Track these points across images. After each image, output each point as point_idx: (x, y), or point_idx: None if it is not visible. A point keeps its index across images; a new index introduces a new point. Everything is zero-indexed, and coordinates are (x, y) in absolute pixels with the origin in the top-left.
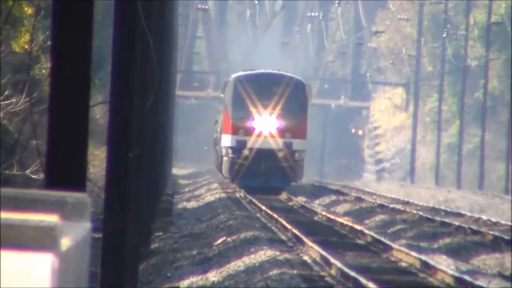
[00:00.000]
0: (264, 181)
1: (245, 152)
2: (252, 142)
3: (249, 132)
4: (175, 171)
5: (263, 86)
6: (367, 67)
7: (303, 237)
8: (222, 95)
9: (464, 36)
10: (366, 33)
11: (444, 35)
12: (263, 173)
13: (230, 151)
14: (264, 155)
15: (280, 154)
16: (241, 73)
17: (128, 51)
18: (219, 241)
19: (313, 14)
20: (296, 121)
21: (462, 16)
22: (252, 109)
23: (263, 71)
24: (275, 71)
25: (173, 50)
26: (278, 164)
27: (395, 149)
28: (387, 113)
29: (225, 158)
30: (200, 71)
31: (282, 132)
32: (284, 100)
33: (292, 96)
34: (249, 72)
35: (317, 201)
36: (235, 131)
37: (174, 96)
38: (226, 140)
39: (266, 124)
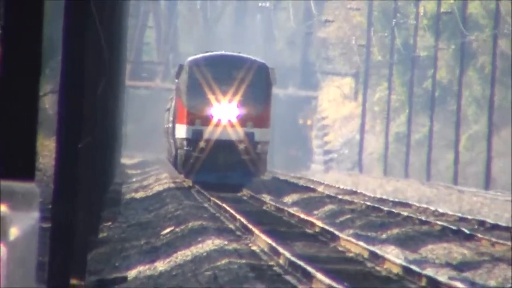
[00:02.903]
0: (222, 177)
1: (202, 144)
2: (210, 133)
3: (206, 121)
4: (124, 160)
5: (222, 70)
6: (316, 57)
7: (251, 226)
8: (176, 81)
9: (414, 26)
10: (316, 23)
11: (393, 25)
12: (221, 167)
13: (185, 143)
14: (223, 147)
15: (241, 146)
16: (197, 55)
17: (78, 40)
18: (167, 230)
19: (263, 4)
20: (258, 109)
21: (412, 6)
22: (210, 96)
23: (222, 53)
24: (235, 54)
25: (123, 40)
26: (239, 157)
27: (343, 139)
28: (335, 103)
29: (179, 151)
30: (149, 61)
31: (243, 121)
32: (246, 85)
33: (254, 81)
34: (206, 54)
35: (265, 191)
36: (190, 120)
37: (124, 86)
38: (181, 131)
39: (225, 113)
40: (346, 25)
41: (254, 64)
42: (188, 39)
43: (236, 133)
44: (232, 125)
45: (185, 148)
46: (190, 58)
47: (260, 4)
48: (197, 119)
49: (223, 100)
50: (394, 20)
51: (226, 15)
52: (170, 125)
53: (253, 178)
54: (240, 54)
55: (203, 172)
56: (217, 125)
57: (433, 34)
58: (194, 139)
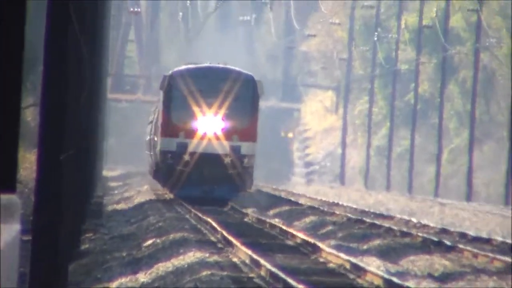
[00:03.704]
0: (207, 191)
1: (186, 157)
2: (195, 146)
3: (191, 134)
4: (106, 173)
5: (208, 82)
6: (298, 70)
7: (232, 238)
8: (160, 92)
9: (395, 40)
10: (298, 37)
11: (375, 39)
12: (207, 181)
13: (168, 156)
14: (208, 160)
15: (227, 160)
16: (182, 67)
17: (59, 53)
18: (149, 242)
19: (245, 18)
20: (245, 122)
21: (394, 20)
22: (195, 108)
23: (207, 64)
24: (221, 65)
25: (105, 53)
26: (224, 171)
27: (325, 151)
28: (317, 116)
29: (163, 164)
30: (131, 75)
31: (229, 134)
32: (232, 97)
33: (241, 93)
34: (191, 66)
35: (246, 203)
36: (174, 133)
37: (106, 98)
38: (164, 144)
39: (210, 125)
40: (328, 39)
41: (241, 76)
42: (170, 52)
43: (222, 146)
44: (218, 138)
45: (168, 161)
46: (174, 69)
47: (241, 18)
48: (182, 132)
49: (208, 112)
50: (376, 34)
51: (208, 28)
52: (153, 137)
53: (239, 192)
54: (226, 66)
55: (188, 186)
56: (202, 138)
57: (415, 48)
58: (178, 152)
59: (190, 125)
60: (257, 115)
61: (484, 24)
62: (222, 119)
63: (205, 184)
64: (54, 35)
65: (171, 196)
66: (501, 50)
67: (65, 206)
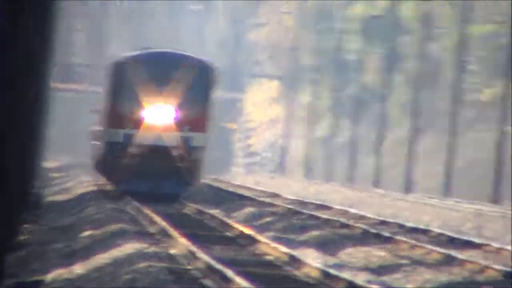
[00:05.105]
0: (155, 186)
1: (133, 149)
2: (142, 137)
3: (138, 124)
4: (48, 163)
5: (159, 68)
6: (246, 59)
7: (171, 230)
8: (106, 80)
9: (343, 29)
10: (247, 26)
11: (322, 28)
12: (154, 175)
13: (114, 148)
14: (157, 153)
15: (176, 152)
16: (130, 52)
17: (8, 42)
18: (87, 233)
19: (195, 7)
20: (197, 112)
21: (342, 9)
22: (144, 97)
23: (159, 50)
24: (174, 51)
25: (53, 43)
26: (174, 165)
27: (267, 142)
28: (262, 106)
29: (108, 157)
30: (77, 63)
31: (179, 125)
32: (184, 85)
33: (194, 81)
34: (140, 52)
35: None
36: (121, 124)
37: (49, 88)
38: (110, 135)
39: (160, 115)
40: (277, 28)
41: (194, 62)
42: (117, 41)
43: (171, 138)
44: (167, 129)
45: (114, 153)
46: (122, 55)
47: (191, 7)
48: (128, 122)
49: (158, 101)
50: (324, 24)
51: (158, 17)
52: (98, 128)
53: (189, 186)
54: (178, 51)
55: (134, 180)
56: (150, 128)
57: (363, 38)
58: (124, 143)
59: (137, 115)
60: (211, 105)
61: (433, 14)
62: (173, 109)
63: (153, 178)
64: (4, 25)
65: (112, 187)
66: (447, 41)
67: (4, 197)
